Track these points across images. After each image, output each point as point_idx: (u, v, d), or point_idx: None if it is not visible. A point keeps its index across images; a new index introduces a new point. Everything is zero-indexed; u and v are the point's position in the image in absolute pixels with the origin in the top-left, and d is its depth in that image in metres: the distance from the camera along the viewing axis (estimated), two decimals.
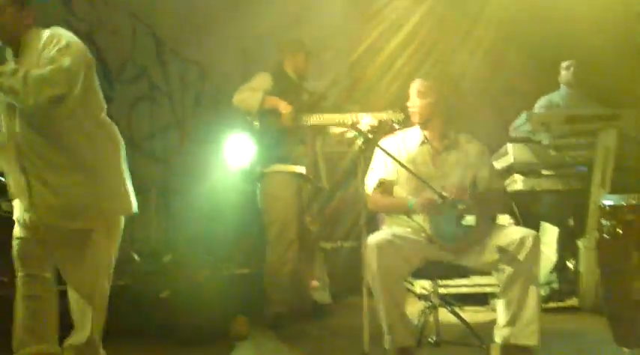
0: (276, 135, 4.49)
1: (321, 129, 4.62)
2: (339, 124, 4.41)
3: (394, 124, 4.06)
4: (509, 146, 5.02)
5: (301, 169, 4.56)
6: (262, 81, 4.55)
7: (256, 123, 4.50)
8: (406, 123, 3.77)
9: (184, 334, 3.93)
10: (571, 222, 5.04)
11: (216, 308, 4.03)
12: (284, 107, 4.47)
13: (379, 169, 3.54)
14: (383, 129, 4.05)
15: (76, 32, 3.00)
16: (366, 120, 4.23)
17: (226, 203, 5.24)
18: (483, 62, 5.82)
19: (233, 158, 4.63)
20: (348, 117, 4.36)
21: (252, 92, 4.47)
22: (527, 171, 5.00)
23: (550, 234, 5.02)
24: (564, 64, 5.38)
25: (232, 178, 4.87)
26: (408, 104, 3.59)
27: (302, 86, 4.74)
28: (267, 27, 5.72)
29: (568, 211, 5.03)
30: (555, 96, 5.37)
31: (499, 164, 5.00)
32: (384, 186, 3.53)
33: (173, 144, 6.01)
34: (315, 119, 4.48)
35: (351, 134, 4.33)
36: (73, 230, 2.99)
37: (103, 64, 5.53)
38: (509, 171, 5.04)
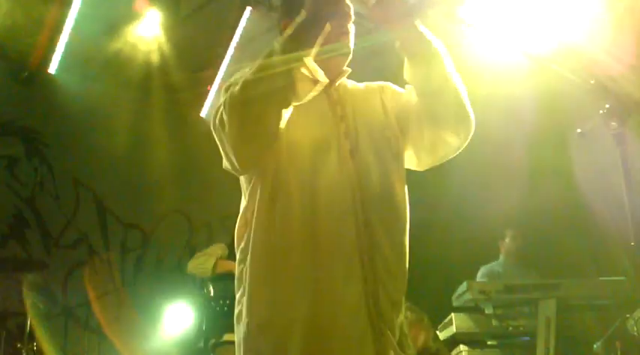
0: (229, 302, 4.41)
1: None
2: None
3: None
4: (453, 316, 5.00)
5: None
6: (217, 248, 4.69)
7: (209, 289, 4.54)
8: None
9: None
10: None
11: None
12: None
13: None
14: None
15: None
16: None
17: None
18: None
19: (171, 328, 4.50)
20: None
21: (207, 257, 4.61)
22: (471, 341, 4.95)
23: None
24: (507, 234, 5.50)
25: (168, 349, 4.68)
26: None
27: None
28: (209, 193, 5.76)
29: None
30: (496, 266, 5.45)
31: (443, 335, 4.94)
32: None
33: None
34: None
35: None
36: None
37: (42, 228, 5.41)
38: (453, 341, 4.97)
